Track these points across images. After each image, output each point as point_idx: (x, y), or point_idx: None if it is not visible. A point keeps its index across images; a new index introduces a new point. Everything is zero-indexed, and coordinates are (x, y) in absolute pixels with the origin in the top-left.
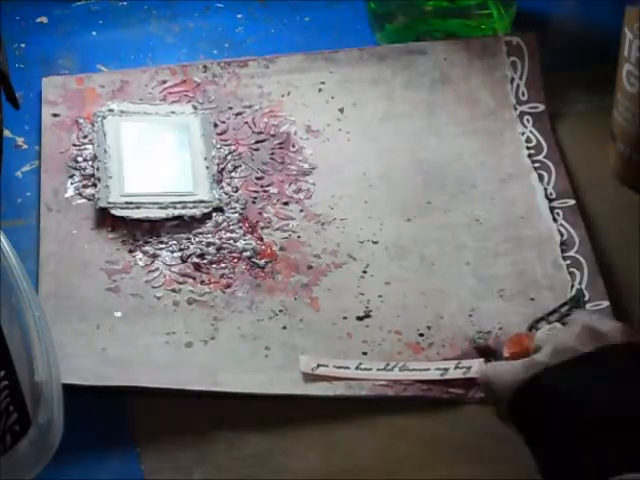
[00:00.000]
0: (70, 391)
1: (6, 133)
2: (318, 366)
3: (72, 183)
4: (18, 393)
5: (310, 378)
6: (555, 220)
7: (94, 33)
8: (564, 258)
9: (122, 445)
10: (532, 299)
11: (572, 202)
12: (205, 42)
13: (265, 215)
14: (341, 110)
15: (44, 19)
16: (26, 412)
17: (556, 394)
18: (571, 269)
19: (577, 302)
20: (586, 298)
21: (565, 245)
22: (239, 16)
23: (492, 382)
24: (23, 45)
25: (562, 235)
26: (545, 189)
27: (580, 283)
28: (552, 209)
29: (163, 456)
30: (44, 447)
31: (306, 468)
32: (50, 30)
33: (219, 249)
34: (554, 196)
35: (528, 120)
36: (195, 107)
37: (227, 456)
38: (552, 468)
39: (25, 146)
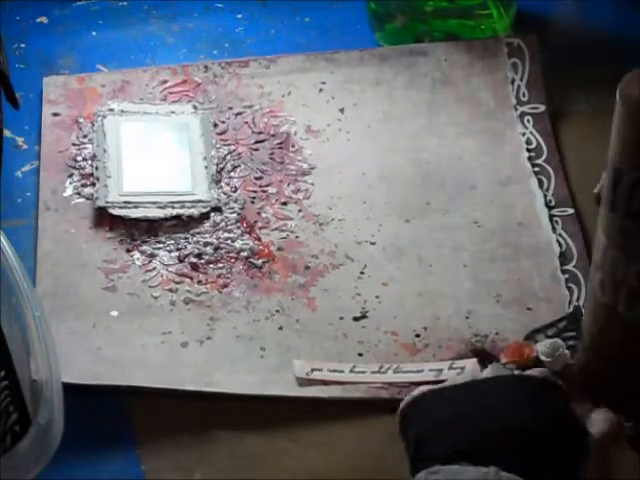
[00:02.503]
0: (70, 391)
1: (6, 133)
2: (312, 370)
3: (71, 182)
4: (18, 393)
5: (305, 381)
6: (554, 229)
7: (94, 33)
8: (563, 271)
9: (122, 445)
10: (529, 308)
11: (571, 211)
12: (205, 42)
13: (263, 215)
14: (341, 110)
15: (44, 19)
16: (26, 412)
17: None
18: (569, 284)
19: (574, 319)
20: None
21: (564, 258)
22: (239, 16)
23: None
24: (23, 45)
25: (561, 246)
26: (545, 195)
27: (578, 300)
28: (551, 217)
29: (163, 456)
30: (44, 447)
31: (306, 468)
32: (50, 30)
33: (217, 249)
34: (553, 204)
35: (529, 121)
36: (195, 107)
37: (227, 456)
38: None
39: (25, 146)
